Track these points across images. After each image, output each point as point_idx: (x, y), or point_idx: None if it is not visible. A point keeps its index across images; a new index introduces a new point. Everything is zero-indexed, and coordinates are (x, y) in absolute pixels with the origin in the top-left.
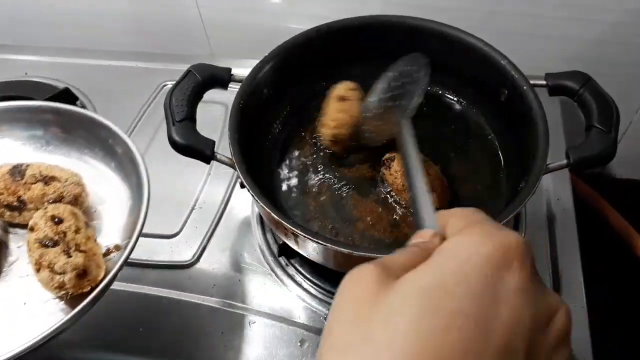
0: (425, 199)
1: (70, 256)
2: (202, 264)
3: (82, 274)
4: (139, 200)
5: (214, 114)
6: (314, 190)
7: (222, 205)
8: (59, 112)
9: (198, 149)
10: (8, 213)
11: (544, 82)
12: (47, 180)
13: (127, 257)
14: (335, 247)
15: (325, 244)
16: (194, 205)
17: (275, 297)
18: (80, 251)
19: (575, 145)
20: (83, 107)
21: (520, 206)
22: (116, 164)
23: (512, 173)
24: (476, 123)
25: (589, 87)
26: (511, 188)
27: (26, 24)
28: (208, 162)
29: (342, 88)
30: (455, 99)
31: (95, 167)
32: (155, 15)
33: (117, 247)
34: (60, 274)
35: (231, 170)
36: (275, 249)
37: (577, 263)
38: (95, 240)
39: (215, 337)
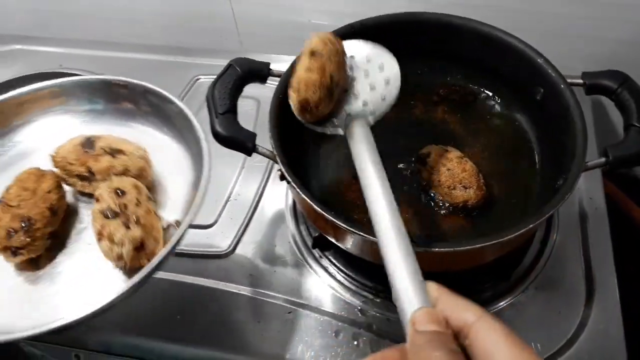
0: (411, 263)
1: (129, 229)
2: (237, 255)
3: (140, 247)
4: (200, 173)
5: (246, 108)
6: (349, 183)
7: (256, 198)
8: (126, 86)
9: (240, 141)
10: (79, 183)
11: (580, 81)
12: (115, 153)
13: (184, 232)
14: None
15: (368, 236)
16: (229, 197)
17: (310, 288)
18: (139, 224)
19: (613, 143)
20: None
21: (561, 202)
22: (179, 138)
23: (548, 171)
24: (511, 121)
25: (628, 86)
26: (546, 186)
27: (60, 17)
28: (249, 154)
29: (315, 40)
30: (490, 96)
31: (159, 140)
32: (188, 10)
33: (178, 223)
34: (119, 245)
35: (264, 164)
36: (309, 241)
37: (610, 261)
38: (155, 214)
39: (252, 325)
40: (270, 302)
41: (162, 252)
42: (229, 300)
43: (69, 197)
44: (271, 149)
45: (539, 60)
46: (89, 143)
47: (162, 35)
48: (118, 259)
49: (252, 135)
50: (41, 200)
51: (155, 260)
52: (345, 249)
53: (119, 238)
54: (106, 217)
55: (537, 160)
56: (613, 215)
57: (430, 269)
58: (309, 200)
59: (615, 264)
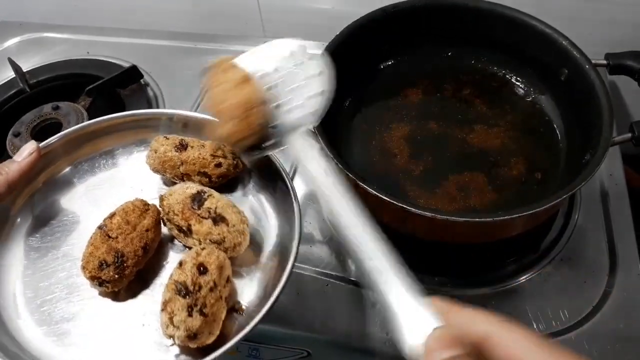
0: (406, 276)
1: (191, 316)
2: None
3: (192, 336)
4: (284, 261)
5: None
6: (382, 164)
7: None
8: None
9: None
10: (176, 232)
11: (604, 62)
12: (217, 220)
13: (247, 333)
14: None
15: (411, 208)
16: None
17: (346, 262)
18: (202, 314)
19: (639, 120)
20: (147, 85)
21: (591, 175)
22: (279, 209)
23: (573, 148)
24: (536, 101)
25: None
26: (571, 162)
27: (86, 5)
28: None
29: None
30: (514, 78)
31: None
32: None
33: (241, 310)
34: (175, 327)
35: None
36: None
37: (631, 234)
38: (225, 301)
39: (292, 298)
40: (308, 275)
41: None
42: None
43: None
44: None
45: (563, 42)
46: (198, 199)
47: (188, 22)
48: (169, 337)
49: None
50: (138, 238)
51: None
52: (384, 223)
53: (177, 321)
54: (177, 291)
55: (560, 138)
56: (635, 191)
57: (468, 241)
58: (350, 175)
59: (638, 240)
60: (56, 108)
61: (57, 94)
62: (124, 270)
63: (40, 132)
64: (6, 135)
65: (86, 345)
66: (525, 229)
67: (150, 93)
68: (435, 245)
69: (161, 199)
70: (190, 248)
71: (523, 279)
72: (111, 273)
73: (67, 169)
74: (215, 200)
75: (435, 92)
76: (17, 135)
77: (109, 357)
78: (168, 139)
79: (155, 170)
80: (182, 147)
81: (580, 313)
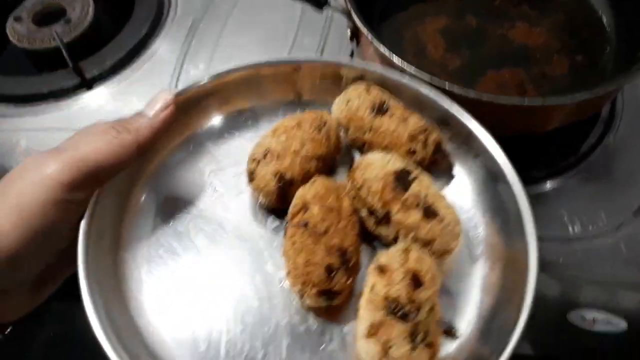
0: None
1: (415, 349)
2: None
3: None
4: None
5: None
6: (412, 55)
7: None
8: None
9: None
10: (366, 214)
11: None
12: (428, 213)
13: None
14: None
15: (464, 93)
16: None
17: None
18: (427, 345)
19: None
20: None
21: None
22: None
23: (623, 47)
24: None
25: None
26: (618, 62)
27: None
28: (321, 7)
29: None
30: None
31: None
32: None
33: (453, 332)
34: None
35: (316, 40)
36: None
37: None
38: (439, 324)
39: None
40: None
41: None
42: None
43: None
44: (344, 4)
45: None
46: (403, 180)
47: None
48: None
49: None
50: (350, 225)
51: None
52: None
53: (398, 355)
54: (392, 312)
55: (609, 37)
56: None
57: (507, 131)
58: (385, 51)
59: None
60: None
61: None
62: (351, 272)
63: (42, 19)
64: (6, 19)
65: None
66: (567, 121)
67: None
68: None
69: (353, 169)
70: (382, 271)
71: (558, 181)
72: (343, 279)
73: (215, 122)
74: (425, 186)
75: None
76: (18, 19)
77: None
78: (369, 92)
79: (339, 122)
80: (381, 110)
81: (619, 217)
